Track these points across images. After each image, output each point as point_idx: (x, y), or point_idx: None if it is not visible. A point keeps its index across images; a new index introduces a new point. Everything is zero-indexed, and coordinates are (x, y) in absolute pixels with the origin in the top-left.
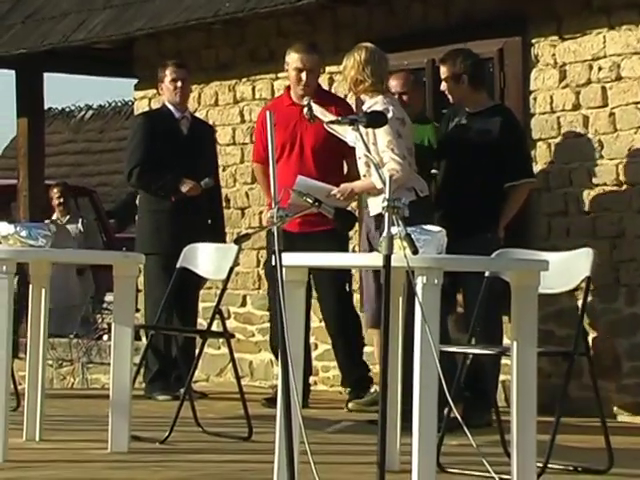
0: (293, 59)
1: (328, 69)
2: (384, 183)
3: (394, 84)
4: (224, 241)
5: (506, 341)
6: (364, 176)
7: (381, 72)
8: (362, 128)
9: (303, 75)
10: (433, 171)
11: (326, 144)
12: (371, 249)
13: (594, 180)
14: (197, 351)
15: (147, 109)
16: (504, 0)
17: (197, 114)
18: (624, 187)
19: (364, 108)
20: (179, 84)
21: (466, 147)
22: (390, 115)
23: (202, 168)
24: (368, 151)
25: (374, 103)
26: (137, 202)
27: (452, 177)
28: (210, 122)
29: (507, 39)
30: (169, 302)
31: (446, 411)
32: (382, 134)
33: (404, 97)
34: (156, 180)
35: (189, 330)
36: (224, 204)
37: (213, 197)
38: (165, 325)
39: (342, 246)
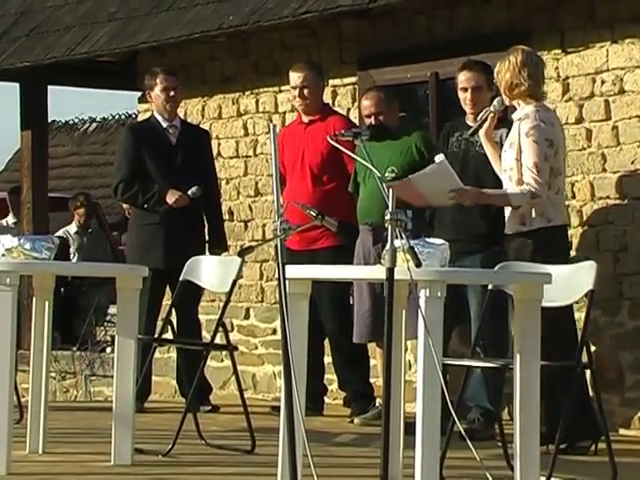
0: (291, 78)
1: (332, 82)
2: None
3: (366, 105)
4: (226, 249)
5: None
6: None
7: (539, 76)
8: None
9: (305, 92)
10: None
11: (325, 160)
12: (366, 264)
13: (597, 193)
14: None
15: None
16: (507, 14)
17: (201, 127)
18: (627, 200)
19: (514, 116)
20: (171, 93)
21: (470, 160)
22: (539, 134)
23: (192, 177)
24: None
25: (525, 116)
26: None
27: None
28: (213, 135)
29: None
30: (168, 315)
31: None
32: (529, 152)
33: (380, 117)
34: (141, 194)
35: (193, 343)
36: (227, 217)
37: (210, 203)
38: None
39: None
